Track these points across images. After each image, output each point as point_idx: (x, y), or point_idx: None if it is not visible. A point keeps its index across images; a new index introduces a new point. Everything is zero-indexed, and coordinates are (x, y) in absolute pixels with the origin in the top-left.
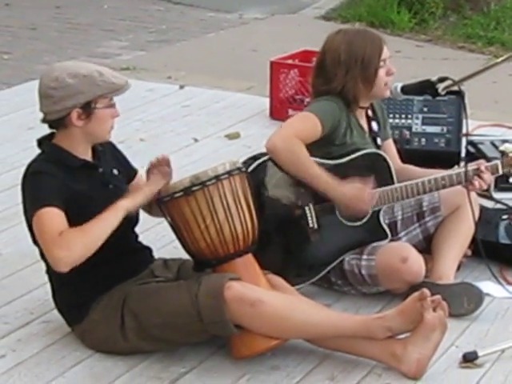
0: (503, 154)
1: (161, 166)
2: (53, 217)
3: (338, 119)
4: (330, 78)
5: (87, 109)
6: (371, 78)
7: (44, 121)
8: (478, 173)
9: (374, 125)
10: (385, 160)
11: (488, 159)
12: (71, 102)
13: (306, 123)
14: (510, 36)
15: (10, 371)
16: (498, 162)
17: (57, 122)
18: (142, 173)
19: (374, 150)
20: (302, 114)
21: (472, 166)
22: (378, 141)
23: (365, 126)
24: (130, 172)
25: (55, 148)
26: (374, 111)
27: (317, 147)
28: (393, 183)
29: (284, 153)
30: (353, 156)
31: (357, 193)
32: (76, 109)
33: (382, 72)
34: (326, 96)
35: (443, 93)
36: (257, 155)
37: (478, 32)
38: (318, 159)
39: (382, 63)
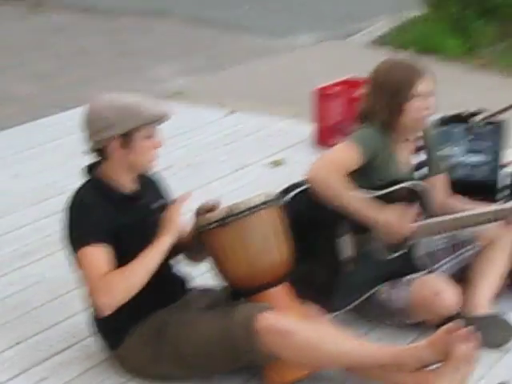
0: None
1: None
2: (98, 257)
3: (376, 148)
4: (366, 101)
5: (126, 139)
6: (398, 108)
7: (89, 150)
8: None
9: (420, 157)
10: (423, 192)
11: None
12: (107, 133)
13: (345, 153)
14: None
15: None
16: None
17: (99, 152)
18: None
19: (413, 182)
20: (341, 144)
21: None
22: (422, 173)
23: (406, 157)
24: None
25: (99, 180)
26: (425, 143)
27: (357, 177)
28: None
29: (322, 186)
30: (391, 188)
31: (396, 218)
32: (114, 140)
33: (414, 104)
34: (366, 124)
35: (481, 124)
36: (299, 182)
37: None
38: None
39: (414, 94)
